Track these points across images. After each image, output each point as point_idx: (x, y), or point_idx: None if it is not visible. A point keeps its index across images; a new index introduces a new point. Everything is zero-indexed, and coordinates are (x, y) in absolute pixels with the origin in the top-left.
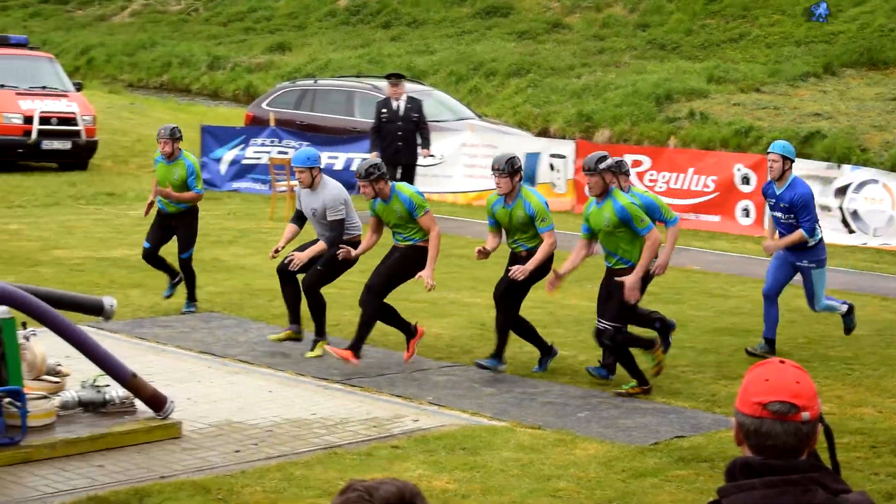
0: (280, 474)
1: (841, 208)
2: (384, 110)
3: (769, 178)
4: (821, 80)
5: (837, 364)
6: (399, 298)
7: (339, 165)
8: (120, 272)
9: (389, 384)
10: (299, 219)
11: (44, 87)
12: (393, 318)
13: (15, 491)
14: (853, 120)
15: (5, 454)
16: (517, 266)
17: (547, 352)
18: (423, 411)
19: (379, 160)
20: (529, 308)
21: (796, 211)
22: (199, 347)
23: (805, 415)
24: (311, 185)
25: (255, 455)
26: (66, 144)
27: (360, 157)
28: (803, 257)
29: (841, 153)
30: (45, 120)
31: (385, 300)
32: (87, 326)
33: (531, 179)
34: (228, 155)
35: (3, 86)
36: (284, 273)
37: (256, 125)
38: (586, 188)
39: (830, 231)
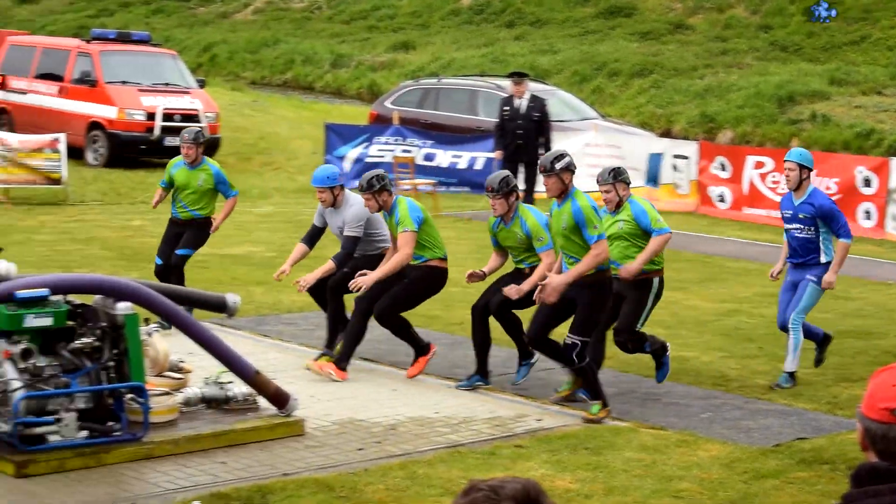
0: (403, 472)
1: None
2: (506, 108)
3: (788, 190)
4: None
5: None
6: None
7: (462, 164)
8: (243, 269)
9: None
10: (310, 238)
11: (166, 84)
12: (406, 331)
13: (136, 487)
14: None
15: (127, 450)
16: (512, 286)
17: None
18: (546, 411)
19: (381, 171)
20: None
21: (826, 222)
22: (323, 345)
23: None
24: (335, 204)
25: (377, 453)
26: None
27: (483, 156)
28: (811, 272)
29: None
30: (167, 116)
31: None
32: (211, 323)
33: (654, 180)
34: (352, 153)
35: (125, 82)
36: (333, 290)
37: (380, 123)
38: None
39: None
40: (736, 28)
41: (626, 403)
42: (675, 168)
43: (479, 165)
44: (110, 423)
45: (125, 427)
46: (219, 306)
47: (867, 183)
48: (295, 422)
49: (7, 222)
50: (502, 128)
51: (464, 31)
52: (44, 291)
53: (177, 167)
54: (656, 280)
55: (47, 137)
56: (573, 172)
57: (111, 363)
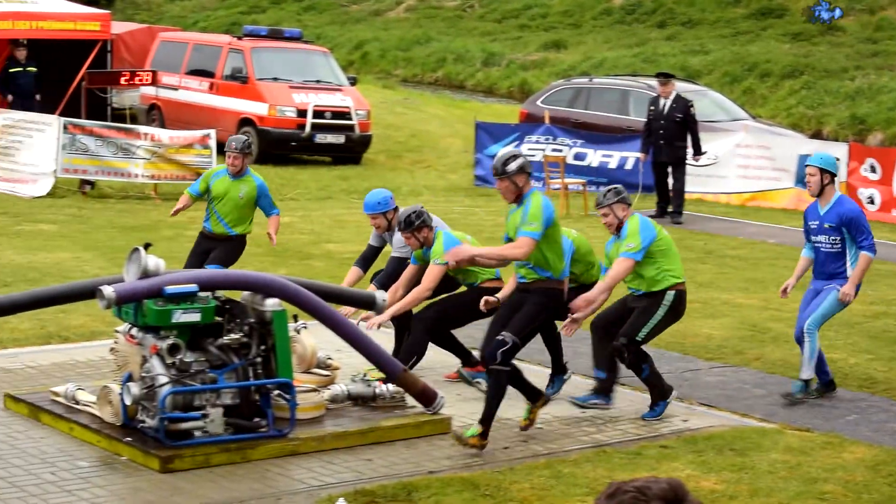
0: (548, 471)
1: None
2: (652, 108)
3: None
4: None
5: None
6: None
7: (612, 164)
8: None
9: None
10: (364, 260)
11: (318, 81)
12: (452, 343)
13: (281, 483)
14: None
15: (274, 446)
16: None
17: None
18: (692, 411)
19: (419, 207)
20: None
21: (849, 230)
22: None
23: None
24: (389, 228)
25: (523, 452)
26: (339, 138)
27: (633, 156)
28: (836, 281)
29: None
30: (318, 114)
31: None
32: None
33: (804, 182)
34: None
35: (277, 79)
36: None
37: (531, 122)
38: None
39: None
40: (887, 30)
41: (772, 405)
42: None
43: (629, 165)
44: (256, 420)
45: (271, 423)
46: (368, 304)
47: None
48: (441, 420)
49: (156, 218)
50: (648, 128)
51: (615, 31)
52: (192, 287)
53: (217, 176)
54: (672, 294)
55: (197, 133)
56: (528, 174)
57: (258, 359)
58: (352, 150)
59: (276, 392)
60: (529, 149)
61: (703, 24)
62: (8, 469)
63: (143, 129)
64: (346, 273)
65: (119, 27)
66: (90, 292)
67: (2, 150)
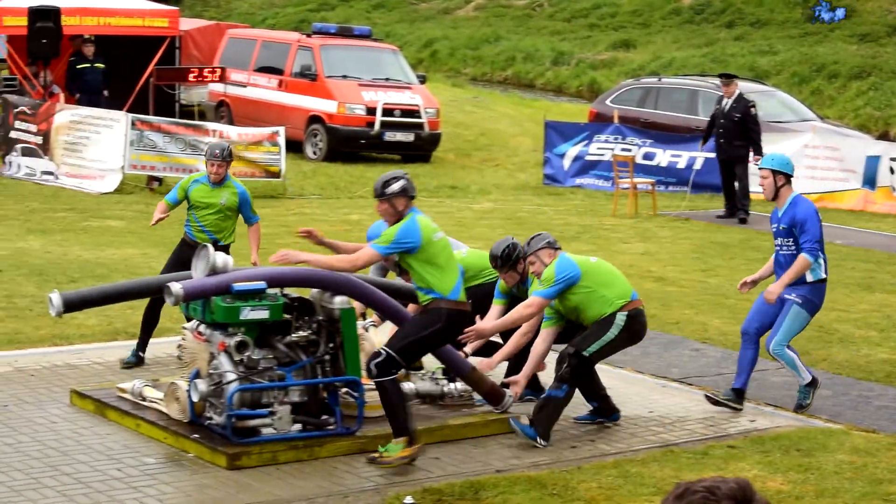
0: (616, 471)
1: None
2: (716, 107)
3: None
4: None
5: None
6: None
7: (681, 164)
8: None
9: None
10: None
11: (387, 79)
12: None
13: (349, 481)
14: None
15: (342, 444)
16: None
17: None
18: (759, 412)
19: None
20: (867, 312)
21: (796, 232)
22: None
23: None
24: None
25: (591, 451)
26: (408, 136)
27: (702, 156)
28: (794, 290)
29: None
30: (387, 111)
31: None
32: None
33: (871, 183)
34: (572, 151)
35: (346, 76)
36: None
37: (600, 122)
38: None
39: None
40: None
41: (838, 406)
42: (892, 171)
43: (697, 165)
44: (324, 417)
45: (339, 421)
46: None
47: None
48: (509, 419)
49: None
50: (711, 126)
51: (684, 31)
52: (260, 284)
53: (196, 184)
54: (622, 315)
55: (266, 130)
56: (410, 198)
57: (326, 357)
58: (421, 149)
59: (344, 390)
60: (598, 148)
61: (771, 24)
62: (74, 465)
63: (211, 125)
64: None
65: (187, 24)
66: (158, 288)
67: (69, 147)
